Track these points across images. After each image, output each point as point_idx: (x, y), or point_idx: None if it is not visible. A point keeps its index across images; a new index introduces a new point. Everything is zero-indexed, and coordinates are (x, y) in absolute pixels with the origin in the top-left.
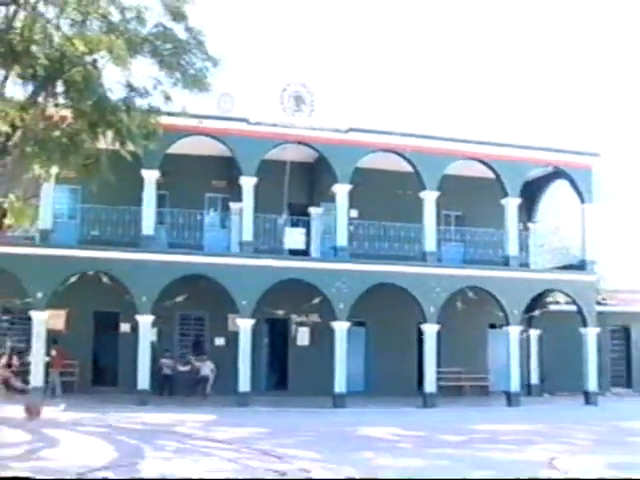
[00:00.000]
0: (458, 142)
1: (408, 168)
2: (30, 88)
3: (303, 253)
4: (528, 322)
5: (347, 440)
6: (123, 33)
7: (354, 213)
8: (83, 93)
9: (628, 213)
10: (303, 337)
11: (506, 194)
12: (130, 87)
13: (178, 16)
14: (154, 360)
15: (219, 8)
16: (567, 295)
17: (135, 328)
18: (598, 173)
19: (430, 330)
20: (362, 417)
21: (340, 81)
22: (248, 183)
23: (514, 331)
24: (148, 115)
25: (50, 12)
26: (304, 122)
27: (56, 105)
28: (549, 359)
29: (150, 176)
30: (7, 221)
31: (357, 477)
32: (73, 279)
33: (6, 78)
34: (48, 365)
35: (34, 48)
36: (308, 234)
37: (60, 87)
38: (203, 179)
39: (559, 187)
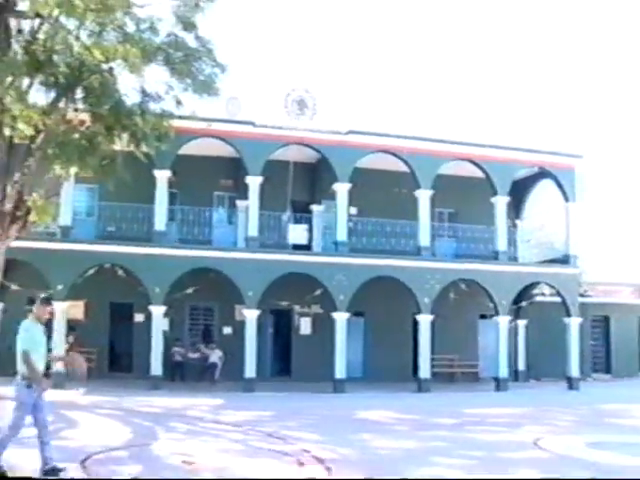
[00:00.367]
0: (451, 144)
1: (404, 168)
2: (52, 94)
3: (305, 248)
4: (516, 312)
5: (346, 423)
6: (137, 42)
7: (353, 210)
8: (100, 98)
9: (608, 211)
10: (305, 327)
11: (495, 193)
12: (144, 92)
13: (189, 26)
14: (166, 348)
15: (227, 18)
16: (552, 287)
17: (148, 318)
18: (581, 173)
19: (424, 320)
20: (360, 401)
21: (340, 86)
22: (254, 182)
23: (503, 321)
24: (161, 119)
25: (71, 24)
26: (306, 125)
27: (76, 110)
28: (535, 347)
29: (162, 176)
30: (31, 218)
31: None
32: (91, 272)
33: (30, 85)
34: (67, 351)
35: (56, 57)
36: (310, 230)
37: (79, 93)
38: (211, 178)
39: (544, 186)
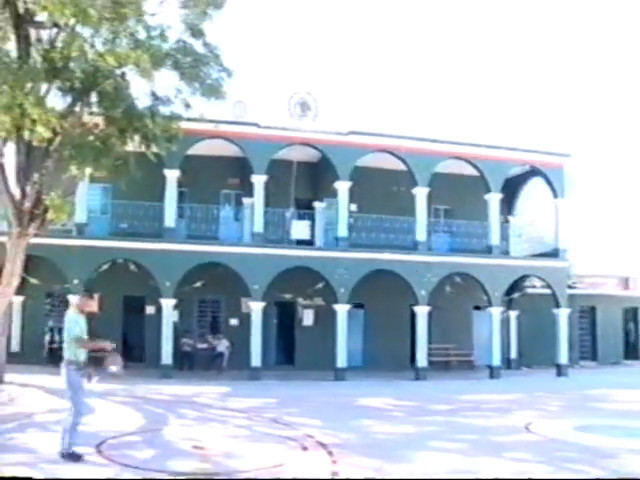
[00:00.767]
0: (446, 143)
1: (402, 167)
2: (68, 99)
3: (308, 243)
4: (508, 304)
5: (347, 409)
6: (148, 49)
7: (354, 207)
8: (114, 102)
9: (595, 207)
10: (308, 318)
11: (489, 190)
12: (155, 96)
13: (197, 33)
14: (176, 338)
15: (233, 24)
16: (542, 280)
17: (159, 310)
18: (569, 171)
19: (421, 311)
20: (361, 389)
21: (341, 89)
22: (259, 181)
23: (496, 312)
24: (170, 121)
25: (86, 32)
26: (309, 126)
27: (90, 113)
28: (526, 336)
29: (172, 175)
30: (49, 216)
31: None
32: (105, 267)
33: (48, 91)
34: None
35: (72, 64)
36: (312, 226)
37: (94, 97)
38: (219, 177)
39: (535, 184)
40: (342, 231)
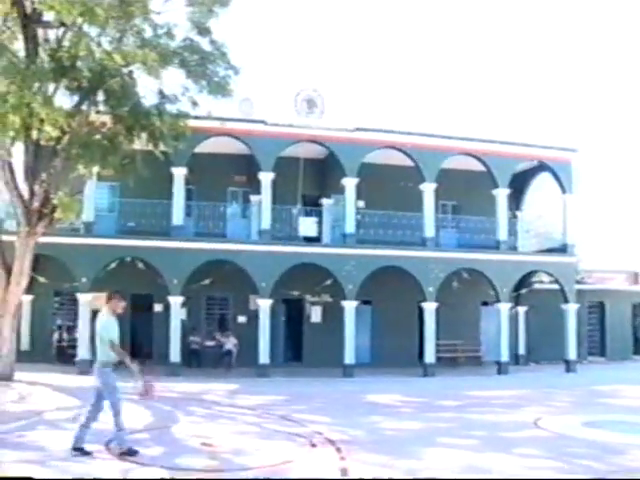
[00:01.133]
0: (454, 139)
1: (409, 163)
2: (76, 98)
3: (315, 240)
4: (516, 299)
5: (356, 406)
6: (155, 47)
7: (361, 203)
8: (121, 101)
9: (603, 202)
10: (316, 315)
11: (496, 185)
12: (162, 94)
13: (203, 31)
14: (184, 336)
15: (239, 21)
16: (550, 275)
17: (167, 308)
18: (577, 166)
19: (429, 307)
20: (369, 385)
21: (348, 86)
22: (266, 178)
23: (504, 307)
24: (177, 119)
25: (93, 31)
26: (316, 122)
27: (97, 112)
28: (534, 332)
29: (179, 173)
30: (57, 215)
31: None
32: (113, 265)
33: (56, 90)
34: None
35: (79, 63)
36: (320, 223)
37: (101, 96)
38: (226, 175)
39: (543, 179)
40: (350, 228)
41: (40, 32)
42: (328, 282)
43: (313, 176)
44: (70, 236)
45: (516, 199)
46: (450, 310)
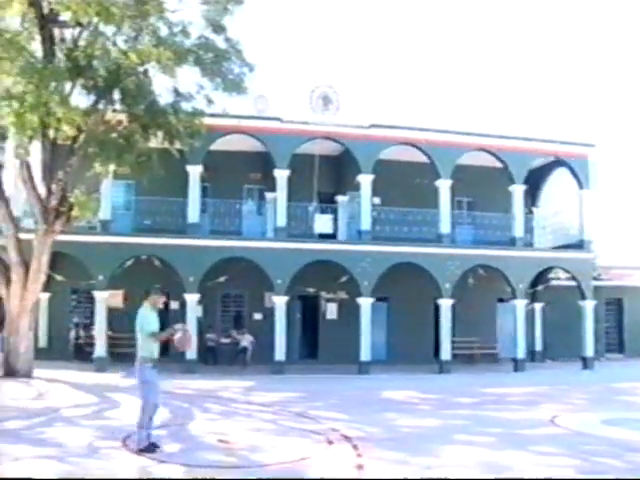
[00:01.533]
0: (469, 135)
1: (425, 159)
2: (92, 97)
3: (331, 237)
4: (532, 296)
5: (371, 403)
6: (170, 45)
7: (376, 200)
8: (137, 99)
9: (621, 197)
10: (332, 312)
11: (512, 181)
12: (177, 92)
13: (218, 28)
14: (200, 333)
15: (253, 18)
16: (567, 271)
17: (183, 305)
18: (594, 161)
19: (445, 304)
20: (384, 382)
21: (363, 82)
22: (281, 175)
23: (520, 304)
24: (193, 117)
25: (108, 31)
26: (331, 119)
27: (114, 110)
28: (551, 329)
29: (194, 171)
30: (74, 213)
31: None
32: (129, 263)
33: (72, 89)
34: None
35: (95, 62)
36: (335, 220)
37: (117, 95)
38: (241, 172)
39: (559, 174)
40: (365, 224)
41: (56, 32)
42: (344, 279)
43: (328, 173)
44: (87, 234)
45: (532, 195)
46: (466, 307)
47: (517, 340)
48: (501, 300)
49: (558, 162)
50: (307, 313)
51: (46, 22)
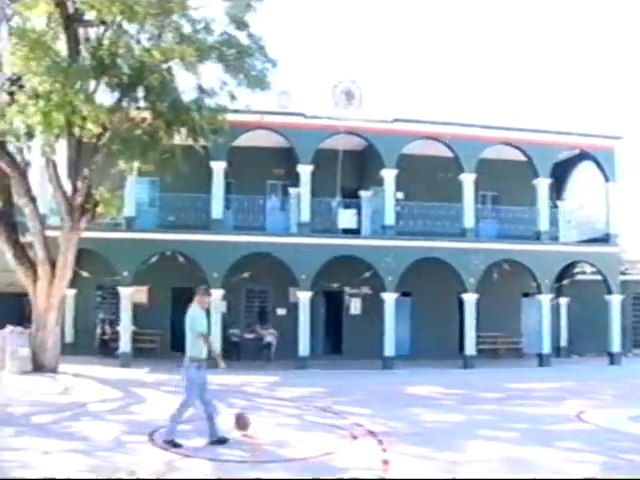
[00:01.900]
0: (493, 129)
1: (448, 153)
2: (116, 95)
3: (355, 232)
4: (558, 291)
5: (395, 398)
6: (193, 42)
7: (400, 195)
8: (160, 96)
9: None
10: (356, 307)
11: (537, 175)
12: (200, 89)
13: (241, 25)
14: (224, 329)
15: (276, 14)
16: (593, 266)
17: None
18: (620, 154)
19: (469, 299)
20: (409, 378)
21: (385, 77)
22: (305, 170)
23: (545, 299)
24: (216, 113)
25: (132, 29)
26: (354, 114)
27: (137, 108)
28: (577, 324)
29: (218, 167)
30: (99, 210)
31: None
32: (154, 259)
33: (97, 87)
34: None
35: (119, 60)
36: (359, 215)
37: (141, 92)
38: (265, 168)
39: (585, 167)
40: (389, 219)
41: (81, 31)
42: (367, 274)
43: (352, 168)
44: (112, 231)
45: (557, 188)
46: (490, 301)
47: (542, 335)
48: (526, 295)
49: (583, 155)
50: (331, 308)
51: (71, 22)
